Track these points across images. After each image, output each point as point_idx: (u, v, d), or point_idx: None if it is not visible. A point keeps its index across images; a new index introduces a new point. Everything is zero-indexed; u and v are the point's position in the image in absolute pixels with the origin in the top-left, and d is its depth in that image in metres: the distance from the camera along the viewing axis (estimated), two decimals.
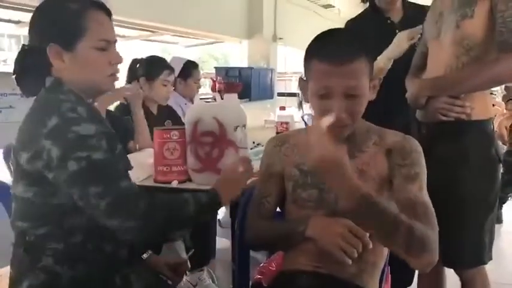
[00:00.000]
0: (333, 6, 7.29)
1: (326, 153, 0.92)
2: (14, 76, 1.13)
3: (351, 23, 2.16)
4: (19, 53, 1.13)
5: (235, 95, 1.69)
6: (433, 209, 1.07)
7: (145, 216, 1.02)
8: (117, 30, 4.83)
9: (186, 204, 1.10)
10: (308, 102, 1.18)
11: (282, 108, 2.53)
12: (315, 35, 1.15)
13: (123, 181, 1.04)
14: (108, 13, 1.15)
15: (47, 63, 1.10)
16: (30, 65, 1.11)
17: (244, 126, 1.62)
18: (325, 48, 1.08)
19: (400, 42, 1.80)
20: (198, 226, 2.16)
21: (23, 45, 1.13)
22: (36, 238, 1.09)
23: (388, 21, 2.04)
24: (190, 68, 2.95)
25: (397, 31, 1.88)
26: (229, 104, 1.61)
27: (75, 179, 1.00)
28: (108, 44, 1.13)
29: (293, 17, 6.43)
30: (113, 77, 1.17)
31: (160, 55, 2.54)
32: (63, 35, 1.08)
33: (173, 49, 7.00)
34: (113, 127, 1.17)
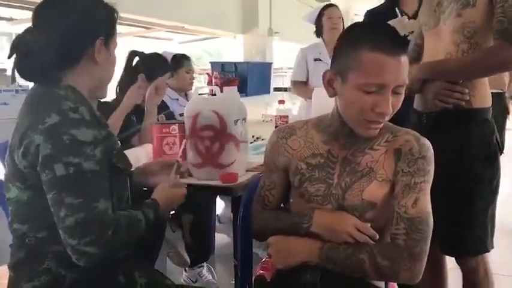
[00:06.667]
0: (329, 0, 7.27)
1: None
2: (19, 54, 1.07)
3: (369, 14, 2.35)
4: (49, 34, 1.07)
5: (235, 88, 1.67)
6: (424, 220, 1.06)
7: (107, 246, 0.99)
8: None
9: (140, 224, 1.10)
10: (332, 96, 1.12)
11: (281, 101, 2.49)
12: (347, 26, 1.13)
13: (102, 202, 1.00)
14: None
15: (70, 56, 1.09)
16: (62, 52, 1.07)
17: (244, 119, 1.60)
18: (380, 37, 1.01)
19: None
20: (196, 222, 2.20)
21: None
22: (37, 240, 1.07)
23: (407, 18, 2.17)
24: (179, 59, 2.86)
25: None
26: (228, 97, 1.58)
27: (56, 183, 0.97)
28: None
29: (288, 10, 6.41)
30: None
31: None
32: (108, 29, 1.13)
33: (168, 45, 6.94)
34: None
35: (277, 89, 5.21)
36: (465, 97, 1.46)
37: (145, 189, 1.32)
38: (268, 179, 1.26)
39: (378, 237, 1.08)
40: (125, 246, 1.11)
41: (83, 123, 1.02)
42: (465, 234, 1.50)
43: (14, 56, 1.07)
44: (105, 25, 1.13)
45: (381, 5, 2.39)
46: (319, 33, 3.19)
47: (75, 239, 0.96)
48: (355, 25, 1.14)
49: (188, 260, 2.14)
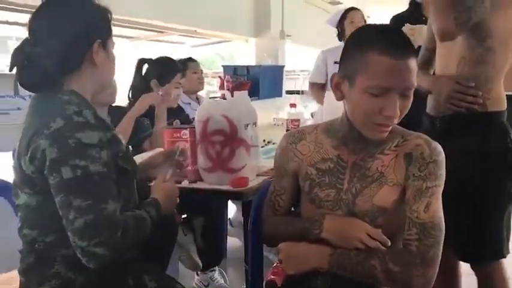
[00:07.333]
0: (341, 3, 7.24)
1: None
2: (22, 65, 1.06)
3: (394, 19, 2.43)
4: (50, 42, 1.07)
5: (246, 92, 1.67)
6: (436, 224, 1.04)
7: (116, 247, 1.00)
8: (124, 31, 4.83)
9: (146, 223, 1.10)
10: (340, 100, 1.10)
11: (292, 105, 2.49)
12: (356, 28, 1.12)
13: (110, 203, 1.00)
14: None
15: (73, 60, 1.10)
16: (67, 58, 1.08)
17: (255, 123, 1.60)
18: (387, 40, 1.00)
19: None
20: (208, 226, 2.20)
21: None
22: (45, 245, 1.08)
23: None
24: (184, 62, 2.86)
25: None
26: (239, 102, 1.59)
27: (64, 186, 0.98)
28: None
29: (300, 13, 6.39)
30: None
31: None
32: (104, 30, 1.14)
33: (180, 49, 7.00)
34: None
35: (289, 92, 5.21)
36: (478, 100, 1.44)
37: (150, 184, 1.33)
38: (278, 184, 1.25)
39: (389, 243, 1.06)
40: (133, 246, 1.12)
41: (87, 126, 1.03)
42: (481, 239, 1.48)
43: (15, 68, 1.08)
44: (100, 27, 1.13)
45: (406, 10, 2.42)
46: (341, 36, 3.17)
47: (84, 241, 0.96)
48: (363, 28, 1.14)
49: (200, 263, 2.15)
